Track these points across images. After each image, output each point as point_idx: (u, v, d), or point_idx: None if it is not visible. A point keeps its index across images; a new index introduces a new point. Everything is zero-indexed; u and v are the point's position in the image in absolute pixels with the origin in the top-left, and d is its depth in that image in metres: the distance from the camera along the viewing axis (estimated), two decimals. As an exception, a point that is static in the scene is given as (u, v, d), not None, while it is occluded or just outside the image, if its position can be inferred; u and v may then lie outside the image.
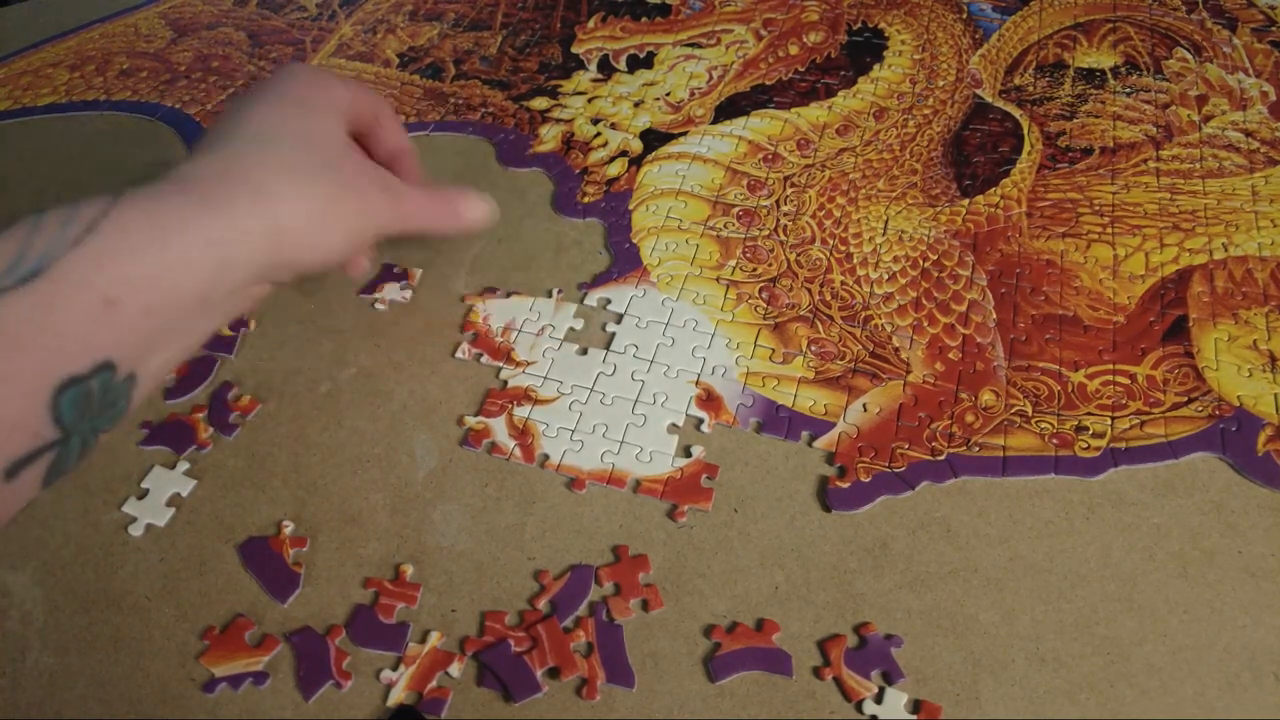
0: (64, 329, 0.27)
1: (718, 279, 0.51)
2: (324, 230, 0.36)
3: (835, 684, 0.36)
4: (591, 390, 0.46)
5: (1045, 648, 0.37)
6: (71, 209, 0.29)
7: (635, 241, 0.53)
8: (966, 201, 0.54)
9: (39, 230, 0.28)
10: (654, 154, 0.58)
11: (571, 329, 0.49)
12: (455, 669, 0.37)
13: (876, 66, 0.64)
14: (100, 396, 0.29)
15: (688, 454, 0.43)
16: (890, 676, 0.36)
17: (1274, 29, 0.65)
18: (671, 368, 0.47)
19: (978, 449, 0.43)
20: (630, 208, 0.55)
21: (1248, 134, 0.57)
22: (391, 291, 0.51)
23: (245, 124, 0.37)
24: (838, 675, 0.37)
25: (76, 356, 0.28)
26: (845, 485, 0.42)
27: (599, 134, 0.60)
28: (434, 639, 0.38)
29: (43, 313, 0.27)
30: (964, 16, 0.67)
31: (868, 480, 0.42)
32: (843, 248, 0.52)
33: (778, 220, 0.54)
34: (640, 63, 0.66)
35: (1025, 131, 0.58)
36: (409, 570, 0.40)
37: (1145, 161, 0.56)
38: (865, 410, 0.45)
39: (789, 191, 0.55)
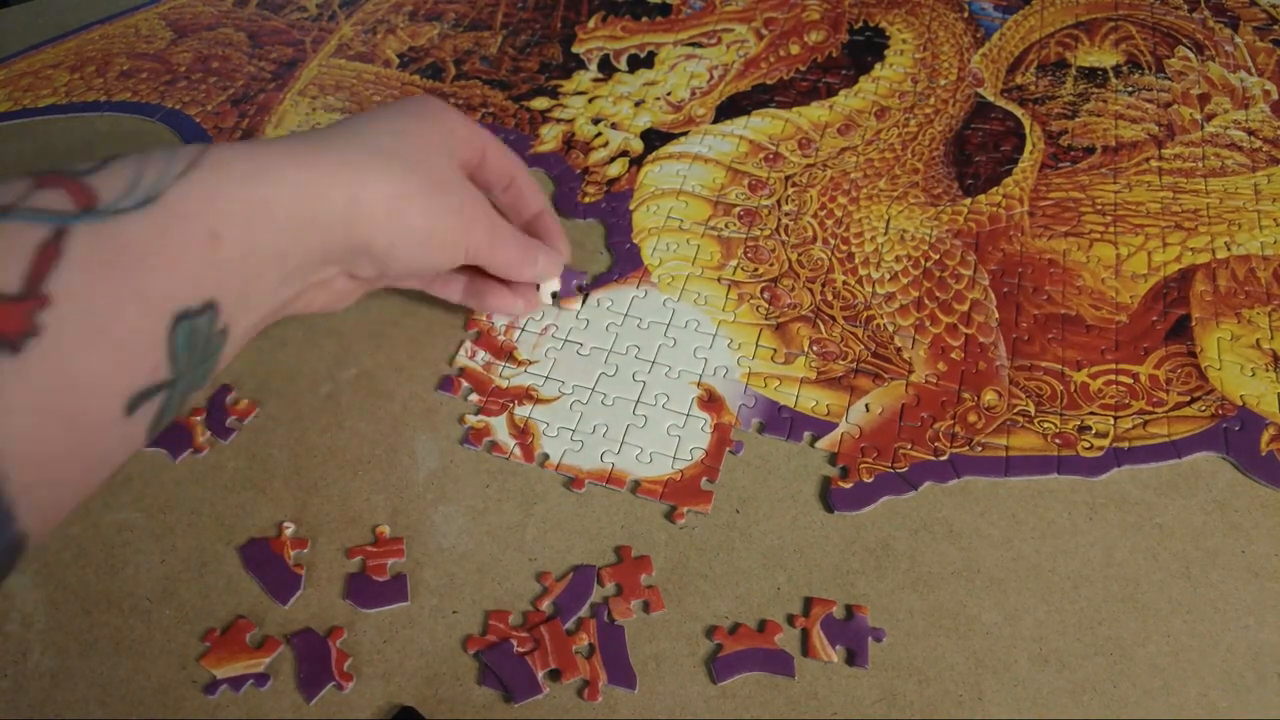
0: (179, 256, 0.28)
1: (719, 279, 0.51)
2: (402, 221, 0.36)
3: (802, 635, 0.37)
4: (593, 390, 0.46)
5: (1048, 648, 0.37)
6: (171, 149, 0.30)
7: (636, 242, 0.53)
8: (968, 201, 0.54)
9: (147, 162, 0.29)
10: (655, 154, 0.58)
11: (574, 329, 0.48)
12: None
13: (878, 65, 0.64)
14: (204, 341, 0.29)
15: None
16: (855, 658, 0.37)
17: (1276, 28, 0.65)
18: (673, 368, 0.47)
19: (980, 449, 0.43)
20: (631, 208, 0.55)
21: (1250, 133, 0.57)
22: None
23: (352, 119, 0.38)
24: (807, 629, 0.37)
25: (190, 288, 0.28)
26: (847, 486, 0.42)
27: (600, 134, 0.60)
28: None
29: (161, 236, 0.28)
30: (965, 15, 0.67)
31: (870, 481, 0.42)
32: (844, 247, 0.52)
33: (779, 220, 0.54)
34: (641, 62, 0.65)
35: (1027, 130, 0.58)
36: (386, 530, 0.41)
37: (1147, 160, 0.56)
38: (867, 410, 0.45)
39: (790, 191, 0.55)
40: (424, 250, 0.38)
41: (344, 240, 0.35)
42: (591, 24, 0.69)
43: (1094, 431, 0.43)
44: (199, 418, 0.45)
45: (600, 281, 0.51)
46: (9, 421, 0.24)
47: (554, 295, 0.48)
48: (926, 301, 0.49)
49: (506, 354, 0.48)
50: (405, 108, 0.40)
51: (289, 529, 0.41)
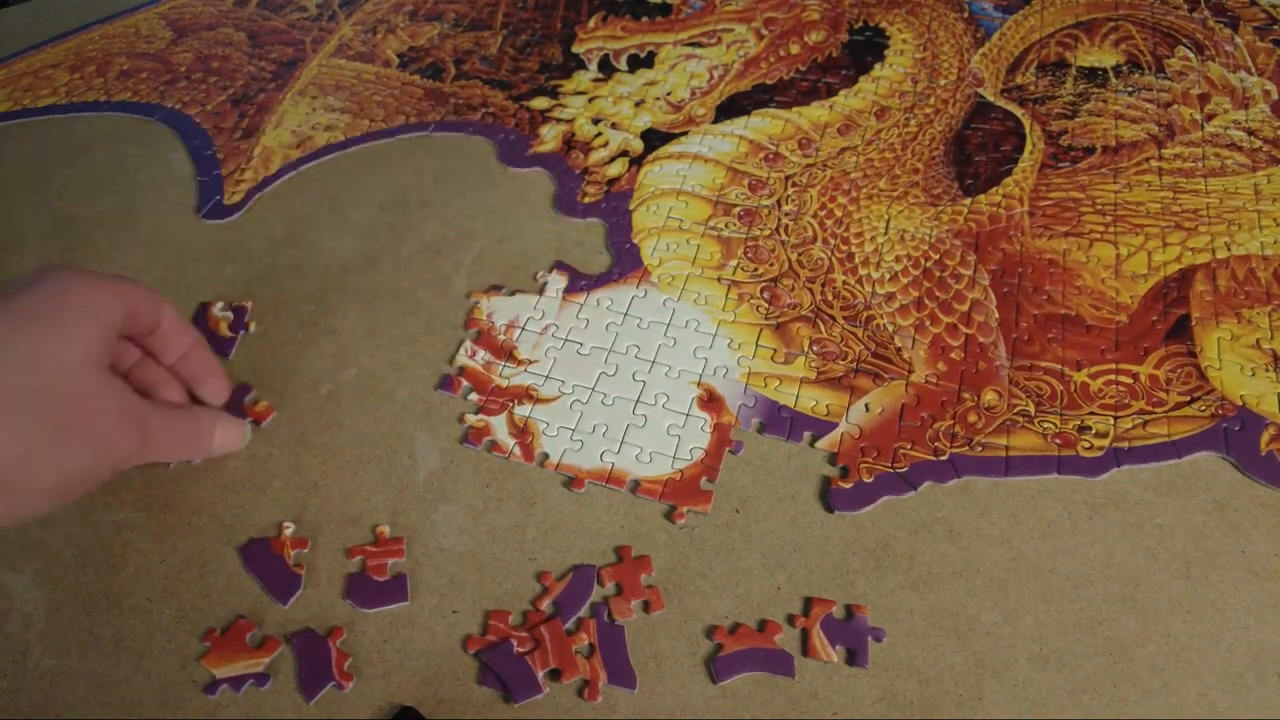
0: None
1: (719, 279, 0.51)
2: (35, 473, 0.32)
3: (802, 634, 0.37)
4: (593, 390, 0.46)
5: (1048, 648, 0.37)
6: None
7: (636, 242, 0.53)
8: (968, 201, 0.54)
9: None
10: (655, 154, 0.58)
11: (574, 329, 0.48)
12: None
13: (878, 65, 0.64)
14: None
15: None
16: (855, 658, 0.37)
17: (1276, 28, 0.65)
18: (673, 368, 0.47)
19: (980, 449, 0.43)
20: (631, 208, 0.55)
21: (1250, 133, 0.57)
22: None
23: None
24: (807, 629, 0.37)
25: None
26: (847, 485, 0.42)
27: (600, 134, 0.60)
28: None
29: None
30: (965, 15, 0.67)
31: (870, 480, 0.42)
32: (844, 247, 0.52)
33: (779, 220, 0.54)
34: (641, 62, 0.65)
35: (1027, 130, 0.58)
36: (386, 530, 0.41)
37: (1147, 160, 0.56)
38: (867, 410, 0.45)
39: (790, 191, 0.55)
40: (62, 489, 0.34)
41: None
42: (592, 24, 0.69)
43: (1094, 431, 0.43)
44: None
45: (600, 281, 0.51)
46: None
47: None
48: (926, 301, 0.49)
49: (506, 353, 0.48)
50: (34, 304, 0.34)
51: (289, 529, 0.41)
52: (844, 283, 0.50)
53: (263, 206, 0.56)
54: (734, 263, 0.51)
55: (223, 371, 0.43)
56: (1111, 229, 0.52)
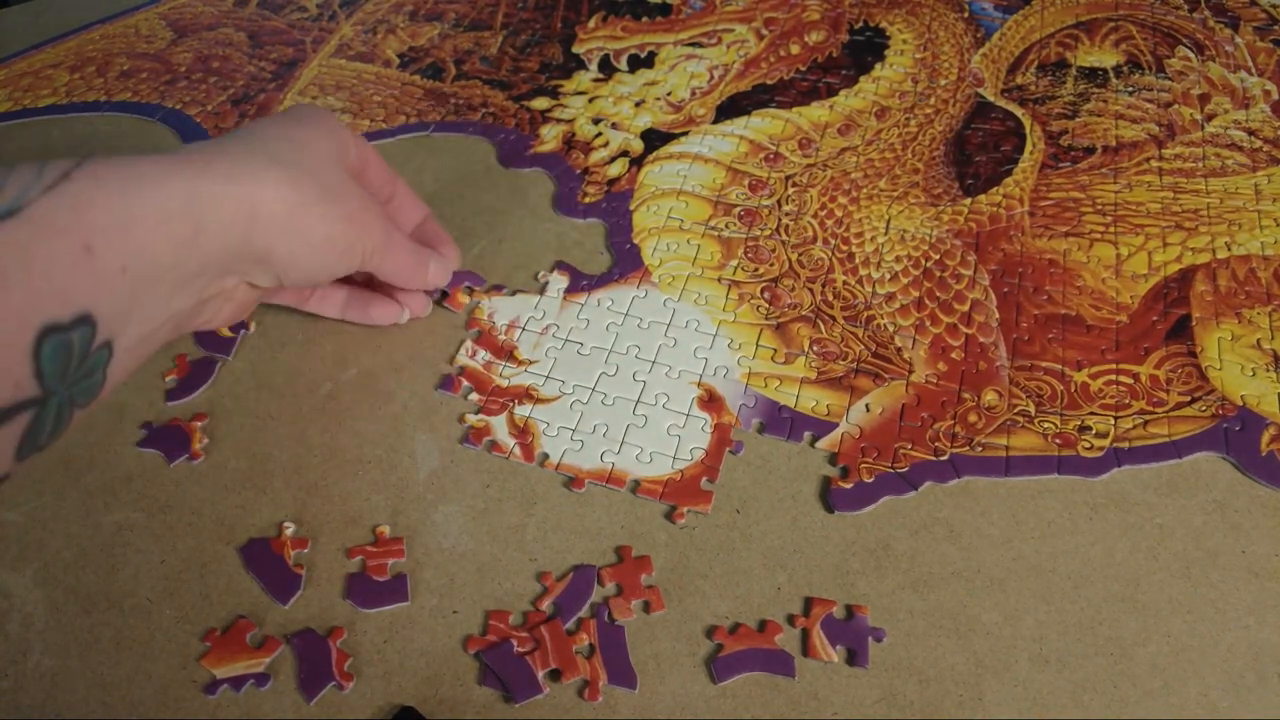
0: (44, 271, 0.27)
1: (719, 279, 0.51)
2: (302, 228, 0.36)
3: (802, 635, 0.37)
4: (593, 390, 0.46)
5: (1049, 648, 0.37)
6: (43, 162, 0.29)
7: (636, 242, 0.53)
8: (969, 201, 0.54)
9: (11, 175, 0.28)
10: (655, 154, 0.58)
11: (574, 329, 0.48)
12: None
13: (878, 65, 0.64)
14: (79, 357, 0.28)
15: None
16: (855, 658, 0.37)
17: (1276, 28, 0.65)
18: (673, 368, 0.47)
19: (980, 449, 0.43)
20: (631, 208, 0.55)
21: (1250, 133, 0.57)
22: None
23: (245, 129, 0.38)
24: (808, 629, 0.37)
25: (57, 303, 0.27)
26: (848, 486, 0.42)
27: (600, 134, 0.60)
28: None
29: (20, 250, 0.26)
30: (966, 15, 0.67)
31: (870, 481, 0.42)
32: (845, 247, 0.52)
33: (779, 220, 0.54)
34: (641, 62, 0.65)
35: (1027, 130, 0.58)
36: (386, 530, 0.41)
37: (1148, 160, 0.56)
38: (868, 410, 0.45)
39: (790, 191, 0.55)
40: (323, 257, 0.38)
41: (242, 248, 0.34)
42: (592, 24, 0.69)
43: (1094, 431, 0.43)
44: (200, 423, 0.45)
45: (601, 281, 0.51)
46: None
47: (443, 294, 0.50)
48: (927, 301, 0.49)
49: (507, 353, 0.48)
50: (296, 116, 0.40)
51: (289, 529, 0.41)
52: (844, 283, 0.50)
53: (263, 206, 0.56)
54: (734, 263, 0.51)
55: (452, 240, 0.48)
56: (1112, 229, 0.52)
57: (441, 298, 0.50)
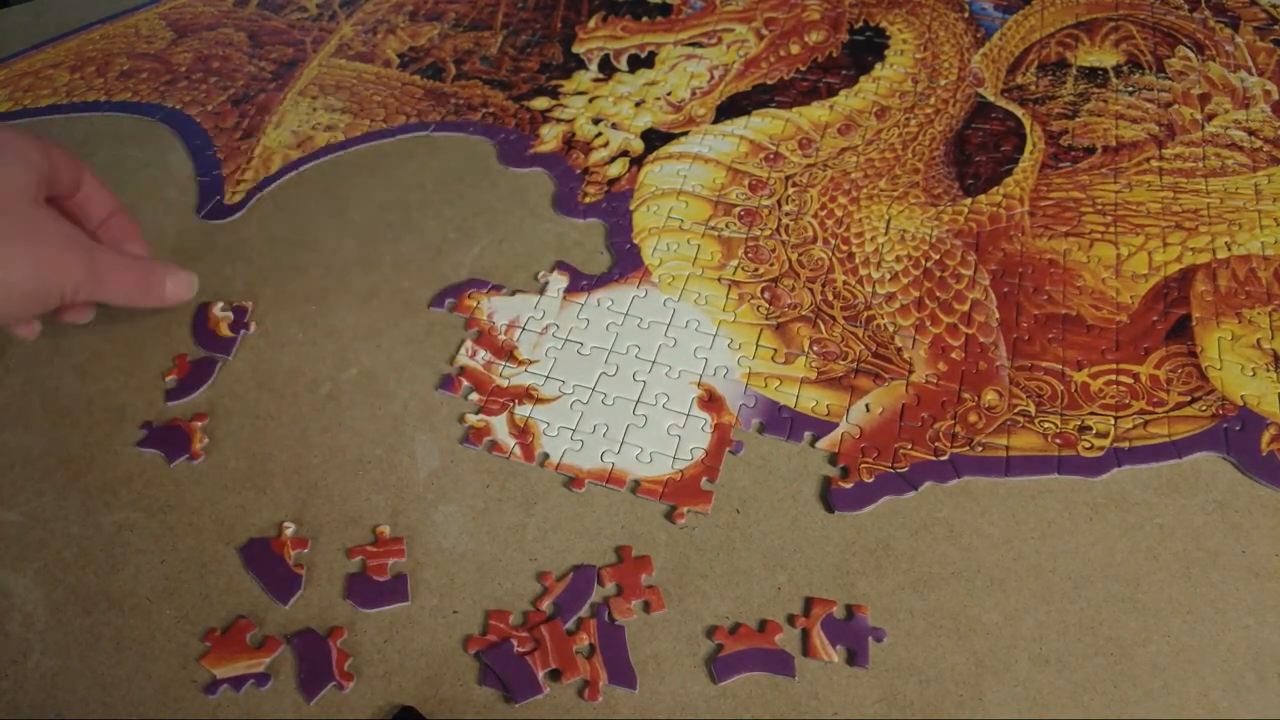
0: None
1: (719, 279, 0.51)
2: None
3: (802, 635, 0.37)
4: (593, 390, 0.46)
5: (1049, 648, 0.37)
6: None
7: (636, 242, 0.53)
8: (969, 201, 0.54)
9: None
10: (655, 154, 0.58)
11: (574, 329, 0.48)
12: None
13: (878, 65, 0.64)
14: None
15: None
16: (855, 658, 0.37)
17: (1276, 28, 0.65)
18: (673, 368, 0.47)
19: (981, 449, 0.43)
20: (631, 208, 0.55)
21: (1250, 133, 0.57)
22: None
23: None
24: (808, 629, 0.37)
25: None
26: (848, 486, 0.42)
27: (600, 134, 0.60)
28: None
29: None
30: (966, 15, 0.67)
31: (870, 481, 0.42)
32: (845, 247, 0.52)
33: (779, 220, 0.54)
34: (641, 62, 0.65)
35: (1027, 130, 0.58)
36: (386, 530, 0.41)
37: (1148, 160, 0.56)
38: (868, 410, 0.45)
39: (791, 191, 0.55)
40: (10, 302, 0.36)
41: None
42: (592, 24, 0.69)
43: (1094, 431, 0.43)
44: (200, 423, 0.45)
45: (601, 281, 0.51)
46: None
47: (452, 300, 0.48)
48: (927, 301, 0.49)
49: (507, 353, 0.48)
50: None
51: (289, 529, 0.41)
52: (844, 283, 0.50)
53: (263, 206, 0.56)
54: (734, 263, 0.51)
55: (141, 235, 0.45)
56: (1112, 229, 0.52)
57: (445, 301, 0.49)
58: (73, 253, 0.38)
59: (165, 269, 0.44)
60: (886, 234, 0.52)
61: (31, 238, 0.36)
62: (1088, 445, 0.43)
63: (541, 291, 0.50)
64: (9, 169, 0.37)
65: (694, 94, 0.62)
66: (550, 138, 0.60)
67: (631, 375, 0.46)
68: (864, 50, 0.65)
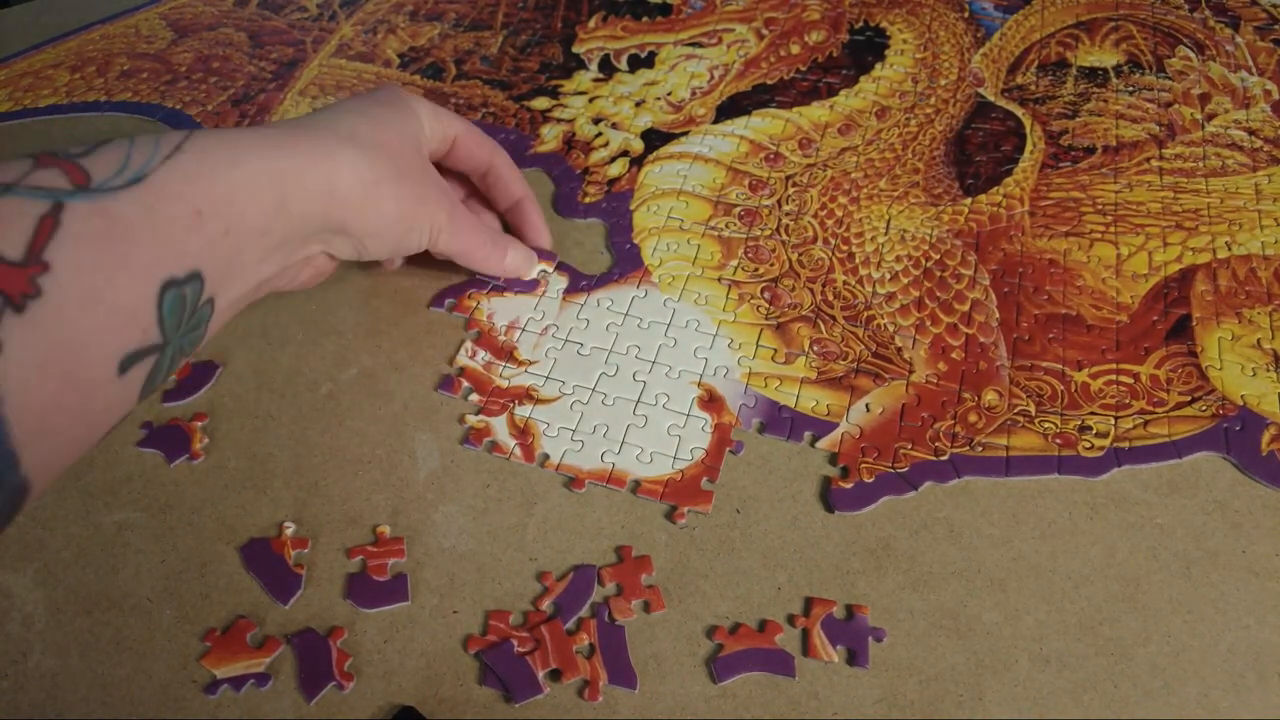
0: (165, 231, 0.30)
1: (719, 279, 0.51)
2: (374, 203, 0.39)
3: (802, 634, 0.37)
4: (593, 390, 0.46)
5: (1049, 648, 0.37)
6: (158, 135, 0.33)
7: (636, 242, 0.53)
8: (969, 201, 0.54)
9: (135, 146, 0.32)
10: (655, 154, 0.58)
11: (574, 329, 0.48)
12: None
13: (878, 65, 0.64)
14: (190, 309, 0.32)
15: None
16: (855, 658, 0.37)
17: (1277, 27, 0.65)
18: (673, 368, 0.47)
19: (981, 449, 0.43)
20: (631, 208, 0.55)
21: (1251, 132, 0.57)
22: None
23: (328, 108, 0.41)
24: (808, 629, 0.37)
25: (176, 259, 0.31)
26: (848, 486, 0.42)
27: (600, 134, 0.60)
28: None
29: (148, 213, 0.30)
30: (966, 15, 0.67)
31: (870, 481, 0.42)
32: (845, 247, 0.52)
33: (779, 220, 0.54)
34: (641, 62, 0.65)
35: (1028, 130, 0.58)
36: (386, 530, 0.41)
37: (1148, 160, 0.56)
38: (868, 410, 0.45)
39: (791, 191, 0.55)
40: (394, 232, 0.41)
41: (322, 220, 0.37)
42: (592, 24, 0.69)
43: (1094, 431, 0.43)
44: (200, 423, 0.45)
45: (601, 281, 0.51)
46: (13, 374, 0.26)
47: (542, 272, 0.50)
48: (927, 301, 0.49)
49: (507, 354, 0.48)
50: (377, 97, 0.42)
51: (289, 529, 0.41)
52: (844, 283, 0.50)
53: (263, 206, 0.56)
54: (734, 263, 0.51)
55: (544, 226, 0.50)
56: (1112, 229, 0.52)
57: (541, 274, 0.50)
58: (443, 198, 0.42)
59: (509, 241, 0.47)
60: (886, 234, 0.52)
61: (415, 176, 0.41)
62: (1088, 445, 0.43)
63: (541, 292, 0.50)
64: (407, 123, 0.42)
65: (694, 94, 0.62)
66: (550, 138, 0.60)
67: (631, 375, 0.46)
68: (864, 50, 0.65)
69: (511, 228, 0.51)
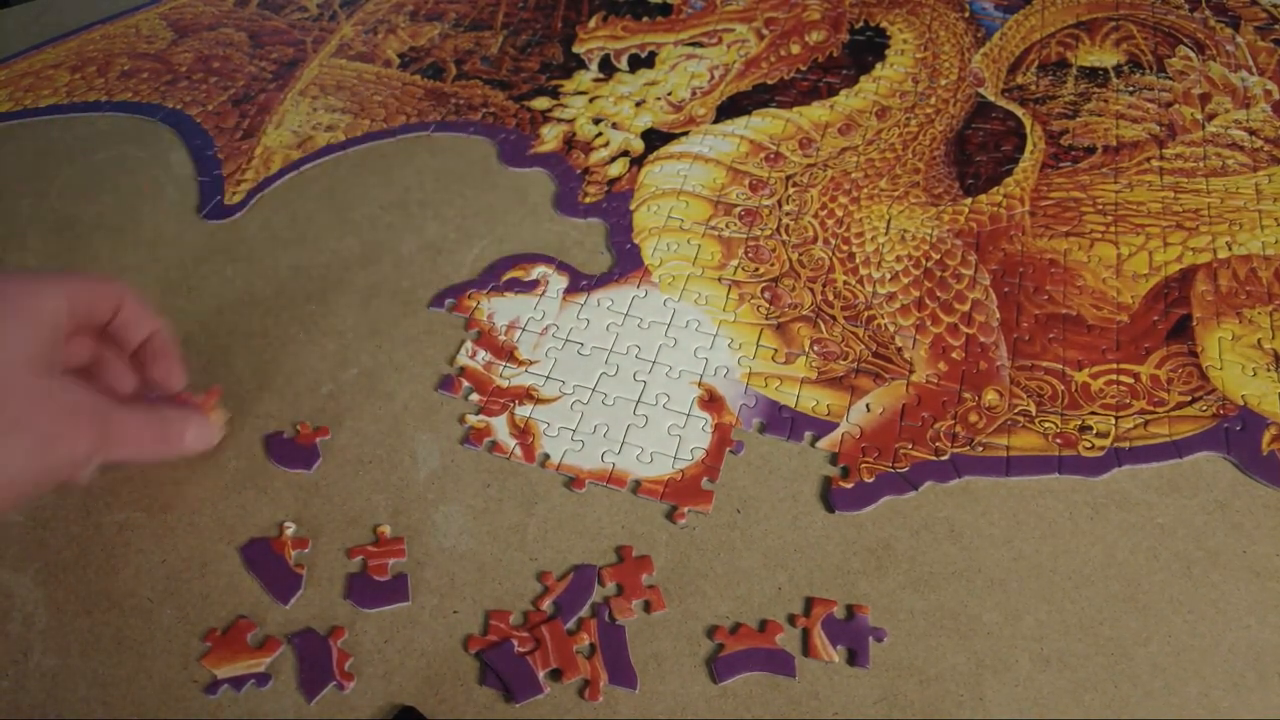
0: None
1: (720, 279, 0.51)
2: None
3: (802, 634, 0.37)
4: (593, 390, 0.46)
5: (1049, 648, 0.37)
6: None
7: (637, 242, 0.53)
8: (969, 200, 0.54)
9: None
10: (655, 154, 0.58)
11: (574, 329, 0.48)
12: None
13: (878, 65, 0.64)
14: None
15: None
16: (855, 658, 0.37)
17: (1277, 27, 0.65)
18: (673, 368, 0.47)
19: (981, 449, 0.43)
20: (632, 208, 0.55)
21: (1251, 132, 0.57)
22: None
23: None
24: (808, 629, 0.37)
25: None
26: (848, 486, 0.42)
27: (600, 134, 0.60)
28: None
29: None
30: (966, 15, 0.67)
31: (871, 480, 0.42)
32: (845, 247, 0.52)
33: (780, 220, 0.54)
34: (642, 62, 0.65)
35: (1028, 130, 0.58)
36: (386, 530, 0.41)
37: (1148, 160, 0.56)
38: (868, 410, 0.45)
39: (791, 191, 0.55)
40: (15, 493, 0.33)
41: None
42: (592, 24, 0.69)
43: (1095, 431, 0.43)
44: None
45: (601, 281, 0.51)
46: None
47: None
48: (927, 301, 0.49)
49: (507, 354, 0.48)
50: None
51: (289, 529, 0.41)
52: (845, 283, 0.50)
53: (263, 207, 0.56)
54: (735, 263, 0.51)
55: (178, 357, 0.41)
56: (1112, 229, 0.52)
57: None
58: (79, 426, 0.35)
59: (186, 418, 0.40)
60: (887, 234, 0.52)
61: (32, 423, 0.33)
62: (1088, 445, 0.43)
63: (541, 292, 0.50)
64: (10, 338, 0.34)
65: (694, 94, 0.62)
66: (550, 138, 0.60)
67: (632, 375, 0.46)
68: (864, 50, 0.65)
69: (140, 365, 0.41)
